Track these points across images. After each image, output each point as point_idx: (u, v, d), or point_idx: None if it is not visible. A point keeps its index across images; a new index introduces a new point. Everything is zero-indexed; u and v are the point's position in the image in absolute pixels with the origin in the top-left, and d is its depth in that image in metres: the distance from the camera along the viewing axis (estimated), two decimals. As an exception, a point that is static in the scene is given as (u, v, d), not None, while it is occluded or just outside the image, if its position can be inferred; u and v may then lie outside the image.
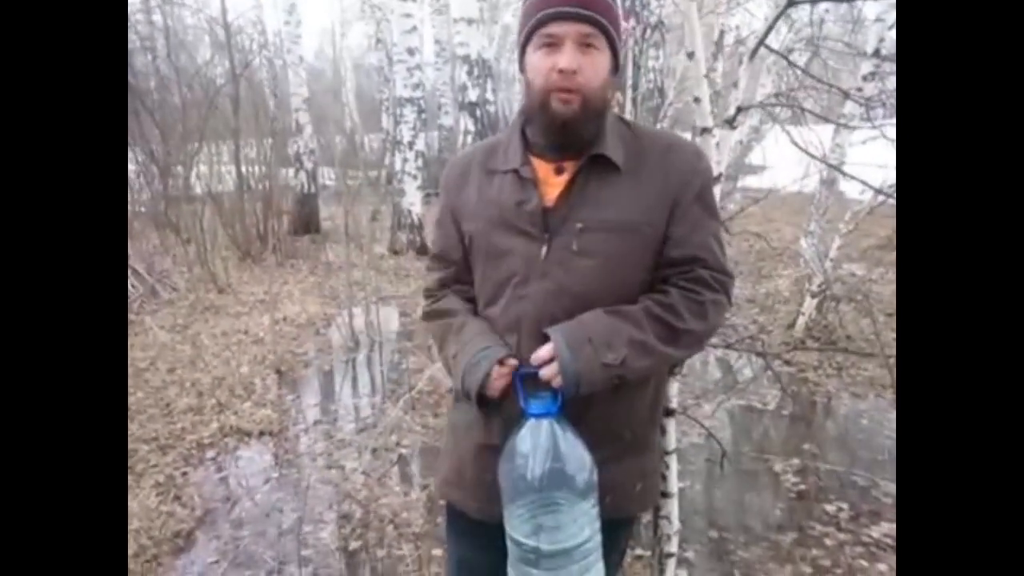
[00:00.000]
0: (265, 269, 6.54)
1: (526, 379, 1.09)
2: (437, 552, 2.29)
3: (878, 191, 2.44)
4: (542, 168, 1.14)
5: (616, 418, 1.15)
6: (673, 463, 1.59)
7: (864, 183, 1.98)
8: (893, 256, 6.30)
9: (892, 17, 4.17)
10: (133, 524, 2.44)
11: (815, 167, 4.31)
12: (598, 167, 1.11)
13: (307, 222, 9.20)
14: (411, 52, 7.73)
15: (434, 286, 1.28)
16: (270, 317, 4.79)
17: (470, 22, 6.66)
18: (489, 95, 6.90)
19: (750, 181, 10.61)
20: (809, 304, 4.55)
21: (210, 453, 3.13)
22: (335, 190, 10.44)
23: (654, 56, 5.34)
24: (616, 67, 1.12)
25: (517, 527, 1.05)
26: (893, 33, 4.20)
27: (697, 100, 1.50)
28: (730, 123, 1.61)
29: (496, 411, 1.14)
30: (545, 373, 1.06)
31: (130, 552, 2.29)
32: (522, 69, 1.14)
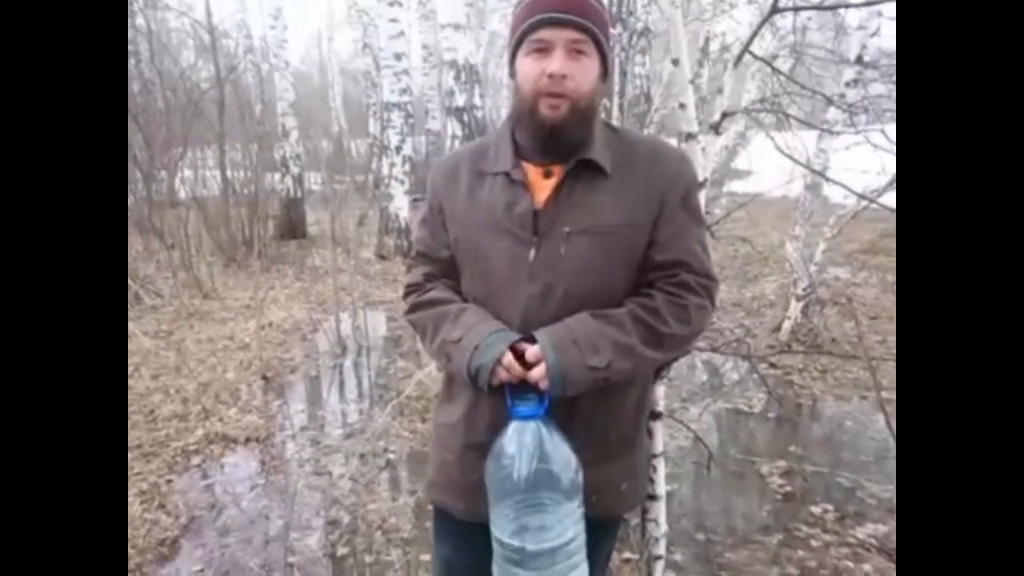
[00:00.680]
0: (251, 274, 6.49)
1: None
2: (425, 557, 2.28)
3: (861, 196, 2.47)
4: (531, 171, 1.15)
5: (602, 419, 1.17)
6: (660, 466, 1.60)
7: (847, 188, 2.00)
8: (877, 260, 6.39)
9: (874, 25, 4.23)
10: (117, 532, 2.41)
11: (800, 172, 4.36)
12: (586, 171, 1.13)
13: (293, 227, 9.15)
14: (398, 57, 7.73)
15: (419, 280, 1.27)
16: (256, 323, 4.76)
17: (457, 27, 6.68)
18: (477, 100, 6.91)
19: (736, 186, 10.70)
20: (794, 308, 4.59)
21: (195, 460, 3.10)
22: (321, 195, 10.40)
23: (640, 62, 5.38)
24: (605, 74, 1.13)
25: (502, 527, 1.06)
26: (875, 40, 4.26)
27: (683, 106, 1.52)
28: (715, 129, 1.63)
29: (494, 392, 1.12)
30: (532, 375, 1.06)
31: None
32: (512, 74, 1.15)
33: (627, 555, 2.21)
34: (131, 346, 4.52)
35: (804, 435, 3.35)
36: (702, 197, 1.51)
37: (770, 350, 4.26)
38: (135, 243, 6.84)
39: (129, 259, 6.17)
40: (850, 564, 2.25)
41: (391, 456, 3.09)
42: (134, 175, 7.24)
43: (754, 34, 1.64)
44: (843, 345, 4.43)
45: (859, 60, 4.23)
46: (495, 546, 1.09)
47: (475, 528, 1.13)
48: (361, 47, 12.31)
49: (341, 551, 2.39)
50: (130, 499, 2.68)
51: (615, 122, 3.66)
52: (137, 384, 3.91)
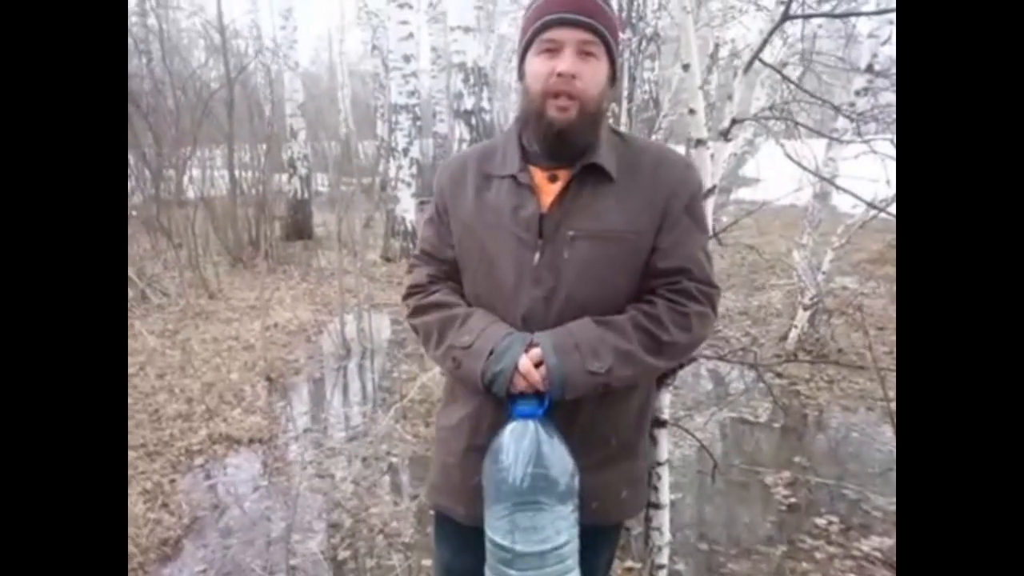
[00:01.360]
0: (257, 275, 6.51)
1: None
2: (427, 562, 2.27)
3: (870, 205, 2.45)
4: (537, 175, 1.15)
5: (603, 425, 1.16)
6: (665, 474, 1.59)
7: (857, 197, 1.99)
8: (885, 270, 6.36)
9: (885, 33, 4.21)
10: (119, 531, 2.41)
11: (808, 180, 4.34)
12: (591, 176, 1.13)
13: (300, 228, 9.17)
14: (407, 59, 7.74)
15: (423, 281, 1.26)
16: (261, 323, 4.77)
17: (467, 30, 6.69)
18: (485, 103, 6.92)
19: (744, 193, 10.67)
20: (801, 317, 4.56)
21: (199, 460, 3.10)
22: (329, 196, 10.43)
23: (649, 68, 5.38)
24: (613, 77, 1.14)
25: (496, 528, 1.06)
26: (886, 49, 4.24)
27: (692, 112, 1.51)
28: (724, 135, 1.62)
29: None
30: (532, 376, 1.06)
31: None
32: (521, 76, 1.15)
33: (629, 564, 2.19)
34: (136, 345, 4.53)
35: (809, 445, 3.33)
36: (710, 204, 1.50)
37: (776, 359, 4.23)
38: (142, 242, 6.87)
39: (136, 258, 6.21)
40: (855, 577, 2.23)
41: (394, 460, 3.08)
42: (143, 174, 7.29)
43: (764, 41, 1.63)
44: (850, 355, 4.40)
45: (870, 68, 4.21)
46: (488, 546, 1.09)
47: (475, 532, 1.13)
48: (370, 49, 12.35)
49: (342, 554, 2.38)
50: (133, 498, 2.68)
51: (623, 127, 3.65)
52: (142, 383, 3.91)
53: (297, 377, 4.27)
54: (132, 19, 8.98)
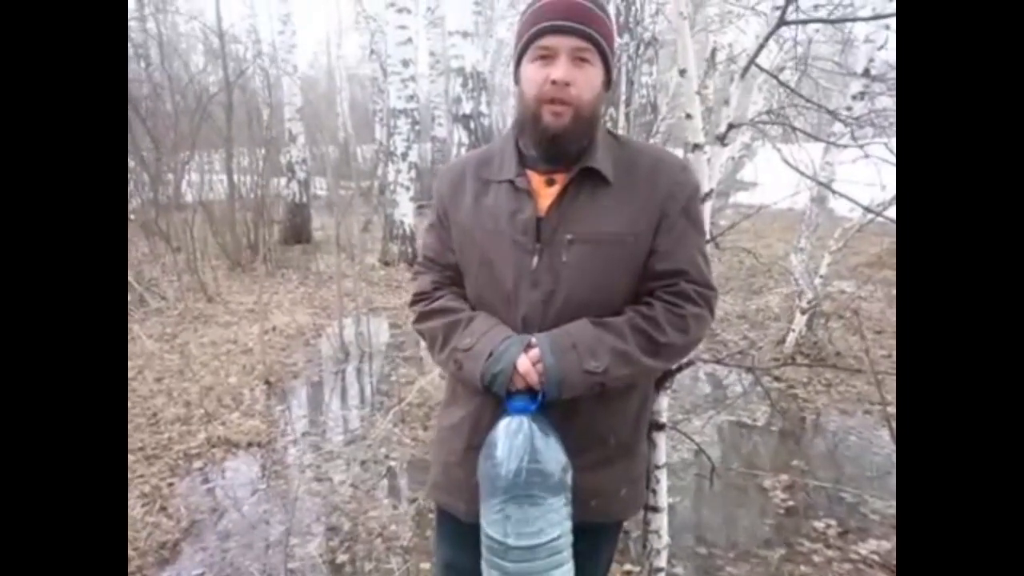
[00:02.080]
0: (255, 278, 6.51)
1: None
2: (425, 566, 2.27)
3: (868, 209, 2.46)
4: (535, 179, 1.16)
5: (601, 425, 1.18)
6: (663, 477, 1.59)
7: (854, 201, 2.00)
8: (883, 274, 6.37)
9: (882, 38, 4.23)
10: (117, 535, 2.41)
11: (805, 185, 4.35)
12: (588, 179, 1.14)
13: (298, 232, 9.18)
14: (405, 64, 7.76)
15: (428, 288, 1.28)
16: (260, 327, 4.76)
17: (465, 35, 6.70)
18: (483, 108, 6.92)
19: (741, 197, 10.70)
20: (799, 320, 4.57)
21: (197, 464, 3.10)
22: (327, 200, 10.44)
23: (647, 72, 5.39)
24: (609, 82, 1.15)
25: (491, 521, 1.08)
26: (883, 53, 4.25)
27: (689, 116, 1.52)
28: (721, 140, 1.63)
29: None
30: (530, 376, 1.07)
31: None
32: (517, 81, 1.17)
33: (628, 567, 2.20)
34: (135, 348, 4.53)
35: (807, 449, 3.33)
36: (708, 208, 1.51)
37: (774, 363, 4.24)
38: (141, 245, 6.86)
39: (135, 261, 6.20)
40: (853, 580, 2.23)
41: (392, 463, 3.08)
42: (142, 178, 7.28)
43: (760, 46, 1.64)
44: (847, 359, 4.41)
45: (866, 73, 4.22)
46: (483, 539, 1.10)
47: (475, 529, 1.14)
48: (368, 53, 12.37)
49: (341, 558, 2.38)
50: (132, 501, 2.68)
51: (621, 131, 3.66)
52: (140, 387, 3.91)
53: (295, 381, 4.27)
54: (131, 23, 8.99)
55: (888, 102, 4.15)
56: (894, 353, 4.44)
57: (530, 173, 1.16)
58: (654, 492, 1.59)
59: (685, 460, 3.08)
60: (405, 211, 7.90)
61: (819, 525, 2.55)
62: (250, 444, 3.29)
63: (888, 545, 2.39)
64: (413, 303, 1.30)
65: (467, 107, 6.75)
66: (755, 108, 6.63)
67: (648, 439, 1.57)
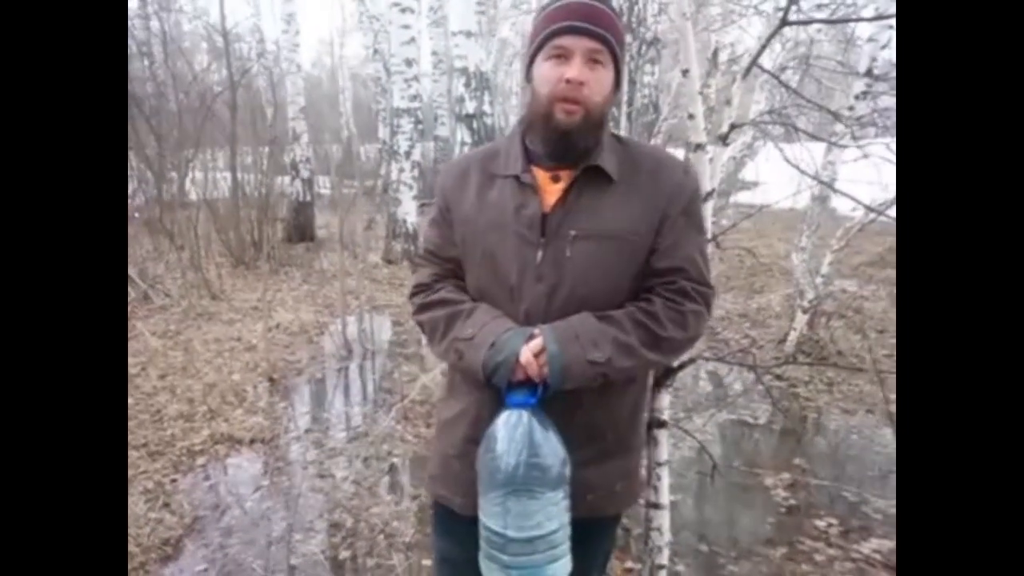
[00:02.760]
0: (259, 276, 6.52)
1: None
2: (427, 562, 2.28)
3: (869, 208, 2.47)
4: (540, 175, 1.18)
5: (600, 420, 1.19)
6: (665, 475, 1.60)
7: (855, 200, 2.00)
8: (884, 273, 6.37)
9: (884, 37, 4.23)
10: (121, 531, 2.43)
11: (807, 184, 4.36)
12: (593, 178, 1.16)
13: (302, 230, 9.19)
14: (409, 63, 7.76)
15: (428, 280, 1.29)
16: (263, 324, 4.78)
17: (468, 35, 6.70)
18: (486, 107, 6.93)
19: (743, 197, 10.69)
20: (800, 319, 4.58)
21: (200, 460, 3.11)
22: (331, 199, 10.45)
23: (649, 72, 5.40)
24: (618, 84, 1.17)
25: (489, 514, 1.09)
26: (885, 53, 4.26)
27: (691, 116, 1.53)
28: (723, 140, 1.63)
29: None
30: (531, 368, 1.08)
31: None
32: (528, 78, 1.18)
33: (629, 564, 2.21)
34: (139, 345, 4.55)
35: (809, 448, 3.34)
36: (709, 207, 1.52)
37: (775, 361, 4.25)
38: (145, 243, 6.89)
39: (139, 259, 6.22)
40: (853, 578, 2.24)
41: (394, 460, 3.10)
42: (146, 176, 7.30)
43: (763, 47, 1.65)
44: (849, 358, 4.41)
45: (869, 73, 4.23)
46: (481, 532, 1.11)
47: (473, 523, 1.15)
48: (371, 53, 12.37)
49: (343, 554, 2.39)
50: (135, 498, 2.70)
51: (623, 131, 3.67)
52: (144, 383, 3.93)
53: (299, 378, 4.28)
54: (135, 22, 9.01)
55: (891, 102, 4.15)
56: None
57: (535, 169, 1.18)
58: (656, 489, 1.60)
59: (687, 458, 3.09)
60: (408, 210, 7.91)
61: (821, 524, 2.56)
62: (253, 441, 3.31)
63: (890, 544, 2.40)
64: (413, 294, 1.31)
65: (470, 106, 6.75)
66: (757, 108, 6.63)
67: (650, 436, 1.58)
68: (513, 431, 1.06)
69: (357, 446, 3.26)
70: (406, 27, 7.69)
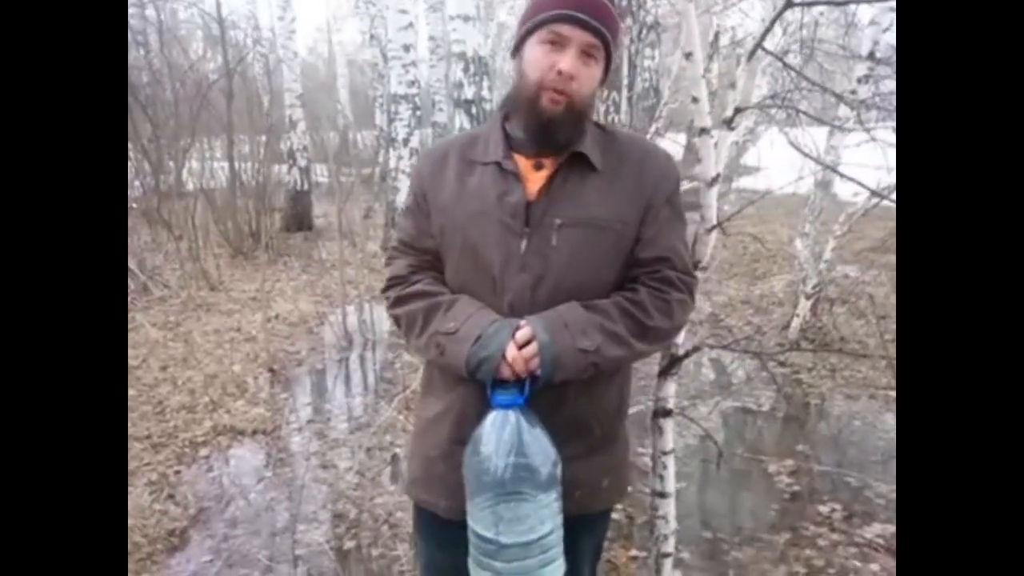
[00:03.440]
0: (257, 266, 6.50)
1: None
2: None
3: (873, 192, 2.44)
4: (522, 162, 1.15)
5: (586, 414, 1.17)
6: (671, 463, 1.59)
7: (860, 184, 1.98)
8: (887, 258, 6.35)
9: (886, 21, 4.18)
10: (125, 523, 2.43)
11: (810, 169, 4.33)
12: (577, 165, 1.14)
13: (300, 219, 9.15)
14: (406, 49, 7.69)
15: (404, 272, 1.24)
16: (263, 315, 4.77)
17: (466, 19, 6.63)
18: (485, 92, 6.87)
19: (745, 182, 10.63)
20: (803, 306, 4.56)
21: (203, 451, 3.11)
22: (328, 187, 10.38)
23: (650, 56, 5.36)
24: (605, 78, 1.16)
25: (479, 519, 1.05)
26: (887, 36, 4.21)
27: (695, 100, 1.50)
28: (728, 124, 1.61)
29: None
30: (517, 365, 1.05)
31: (122, 551, 2.28)
32: (514, 55, 1.16)
33: (634, 552, 2.21)
34: (139, 337, 4.54)
35: (812, 434, 3.34)
36: (713, 193, 1.50)
37: (779, 348, 4.24)
38: (143, 234, 6.85)
39: (137, 250, 6.20)
40: (857, 564, 2.24)
41: (397, 450, 3.09)
42: (142, 166, 7.25)
43: (767, 29, 1.62)
44: (852, 344, 4.40)
45: (871, 56, 4.18)
46: (471, 538, 1.07)
47: (458, 526, 1.11)
48: (368, 38, 12.27)
49: (347, 544, 2.40)
50: (140, 489, 2.70)
51: (624, 115, 3.63)
52: (145, 375, 3.93)
53: (299, 368, 4.28)
54: (130, 10, 8.92)
55: (893, 85, 4.12)
56: (899, 337, 4.43)
57: (517, 156, 1.15)
58: (661, 478, 1.59)
59: (691, 446, 3.09)
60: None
61: (824, 509, 2.56)
62: (255, 432, 3.30)
63: (893, 529, 2.40)
64: (387, 288, 1.26)
65: (469, 92, 6.70)
66: (760, 92, 6.58)
67: (655, 425, 1.57)
68: (501, 432, 1.02)
69: (359, 437, 3.26)
70: (403, 12, 7.61)
